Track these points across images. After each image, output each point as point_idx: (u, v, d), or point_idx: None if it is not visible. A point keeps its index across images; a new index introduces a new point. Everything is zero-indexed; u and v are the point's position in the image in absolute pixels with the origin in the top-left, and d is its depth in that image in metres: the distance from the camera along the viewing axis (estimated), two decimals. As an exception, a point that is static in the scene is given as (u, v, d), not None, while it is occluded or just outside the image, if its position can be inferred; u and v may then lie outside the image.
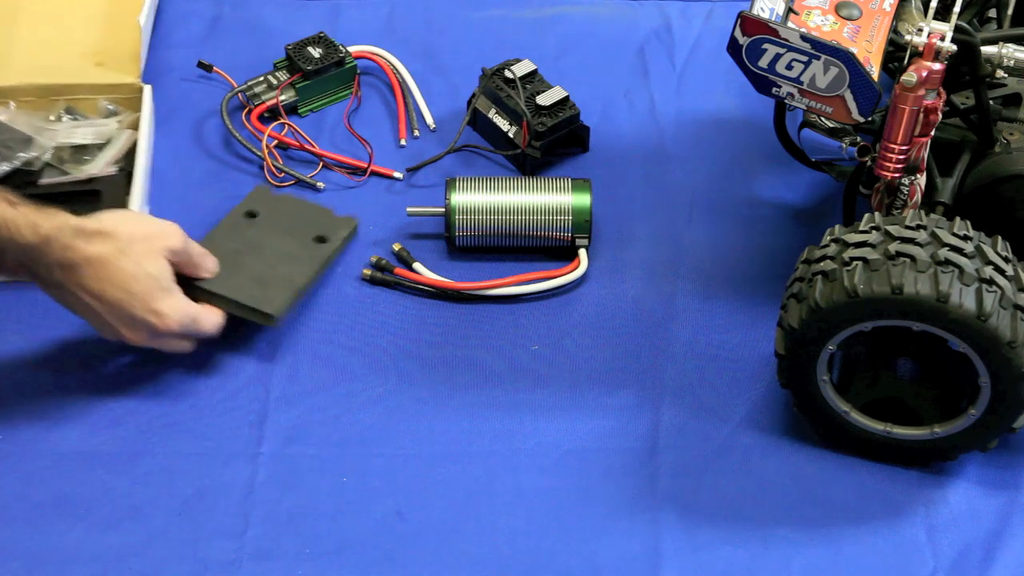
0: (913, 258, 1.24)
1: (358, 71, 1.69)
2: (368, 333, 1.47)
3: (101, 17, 1.68)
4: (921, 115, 1.30)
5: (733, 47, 1.32)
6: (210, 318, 1.41)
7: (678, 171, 1.62)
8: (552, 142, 1.60)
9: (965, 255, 1.25)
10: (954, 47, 1.28)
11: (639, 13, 1.79)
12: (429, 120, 1.67)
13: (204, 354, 1.45)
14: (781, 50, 1.30)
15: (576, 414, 1.41)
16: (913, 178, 1.35)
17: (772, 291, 1.48)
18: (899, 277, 1.24)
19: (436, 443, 1.39)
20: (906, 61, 1.31)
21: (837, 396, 1.34)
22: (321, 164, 1.62)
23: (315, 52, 1.66)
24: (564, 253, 1.54)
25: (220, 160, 1.62)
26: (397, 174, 1.61)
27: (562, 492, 1.35)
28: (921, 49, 1.29)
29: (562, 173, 1.61)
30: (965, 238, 1.27)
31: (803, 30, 1.29)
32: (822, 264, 1.28)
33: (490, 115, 1.63)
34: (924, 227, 1.27)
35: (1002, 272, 1.26)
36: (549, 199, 1.52)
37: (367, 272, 1.51)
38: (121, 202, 1.51)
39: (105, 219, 1.36)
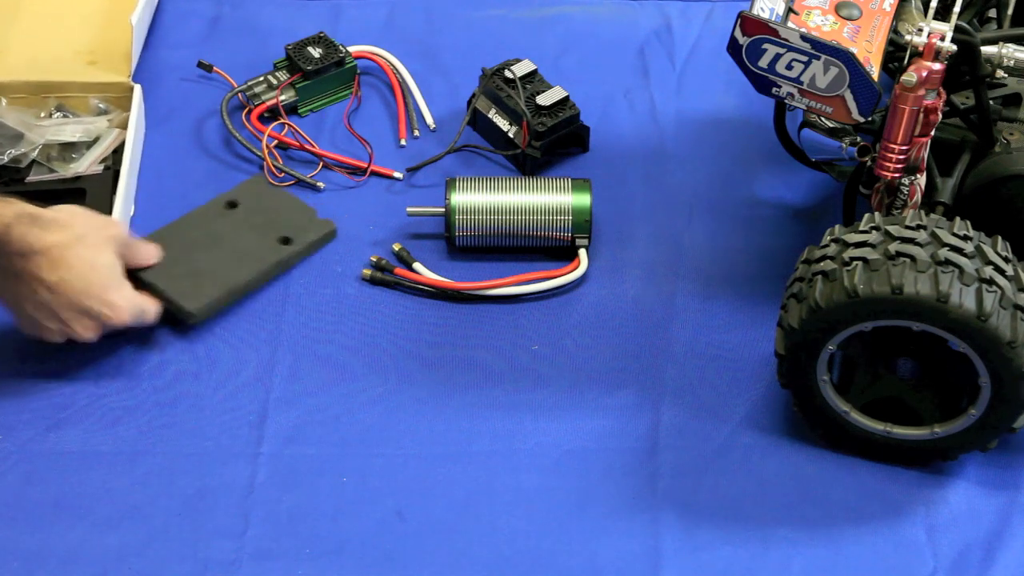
0: (913, 258, 1.24)
1: (358, 71, 1.69)
2: (368, 333, 1.47)
3: (96, 16, 1.68)
4: (921, 115, 1.30)
5: (733, 47, 1.32)
6: (152, 308, 1.42)
7: (678, 171, 1.62)
8: (552, 142, 1.60)
9: (965, 255, 1.25)
10: (954, 47, 1.28)
11: (639, 13, 1.79)
12: (429, 120, 1.67)
13: (204, 354, 1.45)
14: (781, 50, 1.30)
15: (576, 414, 1.41)
16: (913, 178, 1.35)
17: (772, 291, 1.48)
18: (899, 277, 1.24)
19: (436, 443, 1.39)
20: (906, 61, 1.31)
21: (837, 396, 1.34)
22: (321, 164, 1.62)
23: (315, 52, 1.66)
24: (564, 253, 1.53)
25: (220, 160, 1.62)
26: (397, 174, 1.61)
27: (562, 492, 1.35)
28: (921, 49, 1.29)
29: (562, 173, 1.61)
30: (965, 238, 1.27)
31: (803, 30, 1.29)
32: (822, 264, 1.28)
33: (490, 115, 1.63)
34: (924, 227, 1.27)
35: (1002, 272, 1.26)
36: (549, 199, 1.52)
37: (367, 272, 1.51)
38: (107, 201, 1.51)
39: (57, 210, 1.37)
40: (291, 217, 1.54)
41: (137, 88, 1.61)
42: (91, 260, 1.36)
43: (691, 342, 1.46)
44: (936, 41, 1.28)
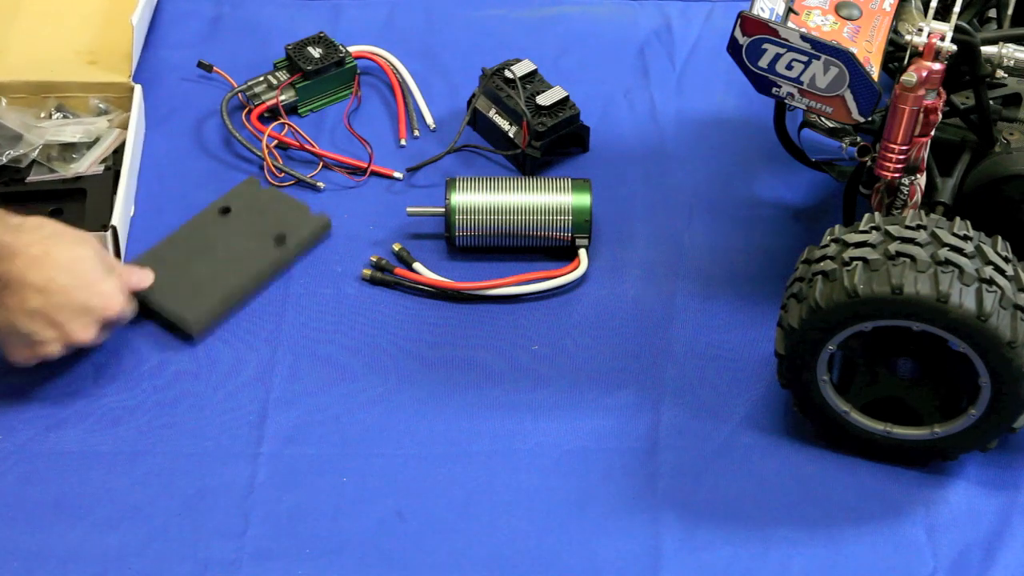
0: (913, 258, 1.24)
1: (358, 71, 1.69)
2: (368, 333, 1.47)
3: (96, 16, 1.68)
4: (921, 115, 1.30)
5: (733, 47, 1.32)
6: (131, 303, 1.41)
7: (678, 171, 1.62)
8: (552, 142, 1.60)
9: (965, 255, 1.25)
10: (954, 47, 1.28)
11: (639, 13, 1.79)
12: (429, 120, 1.67)
13: (204, 354, 1.45)
14: (781, 50, 1.30)
15: (576, 414, 1.41)
16: (913, 178, 1.35)
17: (772, 291, 1.48)
18: (899, 277, 1.24)
19: (436, 443, 1.39)
20: (906, 61, 1.31)
21: (837, 396, 1.34)
22: (321, 164, 1.62)
23: (315, 52, 1.66)
24: (564, 253, 1.53)
25: (220, 160, 1.62)
26: (397, 174, 1.61)
27: (562, 492, 1.35)
28: (921, 49, 1.29)
29: (562, 173, 1.61)
30: (965, 238, 1.27)
31: (803, 30, 1.29)
32: (822, 264, 1.28)
33: (490, 115, 1.63)
34: (924, 227, 1.27)
35: (1002, 272, 1.26)
36: (549, 199, 1.52)
37: (367, 272, 1.51)
38: (107, 201, 1.51)
39: (27, 216, 1.36)
40: (284, 216, 1.54)
41: (137, 88, 1.61)
42: (73, 255, 1.35)
43: (691, 342, 1.47)
44: (936, 41, 1.28)
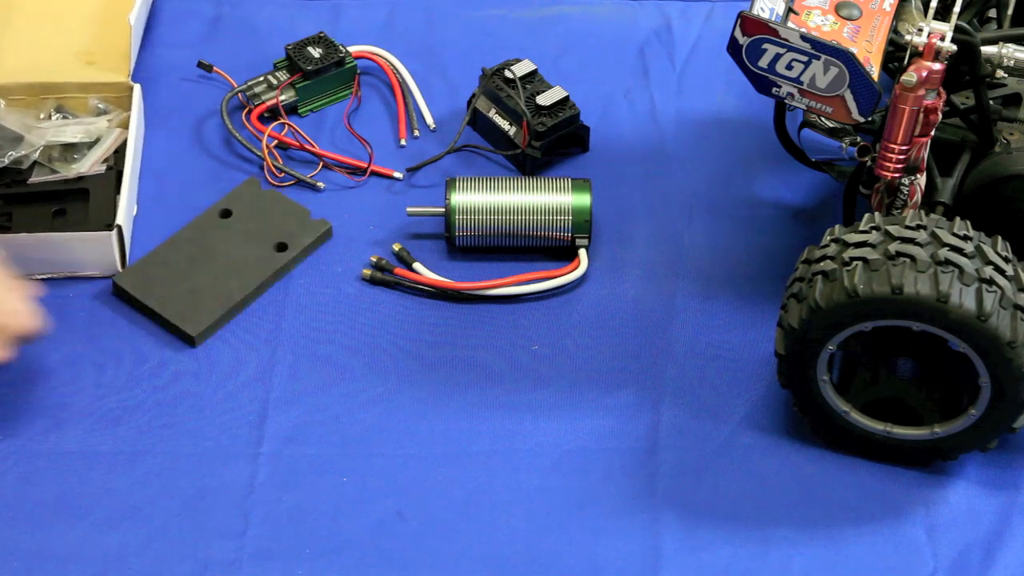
0: (913, 258, 1.24)
1: (358, 71, 1.69)
2: (368, 333, 1.47)
3: (94, 16, 1.68)
4: (921, 115, 1.30)
5: (733, 47, 1.32)
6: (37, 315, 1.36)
7: (678, 171, 1.62)
8: (552, 142, 1.60)
9: (965, 255, 1.25)
10: (954, 47, 1.28)
11: (639, 13, 1.79)
12: (429, 120, 1.67)
13: (204, 354, 1.45)
14: (781, 50, 1.30)
15: (576, 414, 1.41)
16: (913, 178, 1.35)
17: (772, 291, 1.48)
18: (899, 277, 1.24)
19: (436, 443, 1.39)
20: (906, 61, 1.31)
21: (837, 396, 1.34)
22: (321, 164, 1.62)
23: (315, 52, 1.66)
24: (564, 253, 1.53)
25: (220, 160, 1.62)
26: (397, 174, 1.61)
27: (562, 492, 1.35)
28: (921, 49, 1.29)
29: (562, 173, 1.61)
30: (965, 238, 1.27)
31: (803, 30, 1.29)
32: (822, 264, 1.28)
33: (490, 115, 1.63)
34: (924, 227, 1.27)
35: (1002, 272, 1.26)
36: (549, 199, 1.52)
37: (367, 272, 1.51)
38: (110, 201, 1.51)
39: None
40: (285, 221, 1.54)
41: (137, 87, 1.61)
42: None
43: (691, 342, 1.46)
44: (936, 41, 1.28)
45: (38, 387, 1.42)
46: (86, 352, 1.44)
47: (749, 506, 1.35)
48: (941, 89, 1.31)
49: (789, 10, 1.33)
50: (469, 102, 1.65)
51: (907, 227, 1.27)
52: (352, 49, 1.69)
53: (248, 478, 1.36)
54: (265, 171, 1.60)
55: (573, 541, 1.32)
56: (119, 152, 1.56)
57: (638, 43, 1.76)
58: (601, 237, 1.55)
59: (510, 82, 1.62)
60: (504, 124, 1.62)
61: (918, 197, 1.36)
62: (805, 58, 1.29)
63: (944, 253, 1.24)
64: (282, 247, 1.52)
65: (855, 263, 1.26)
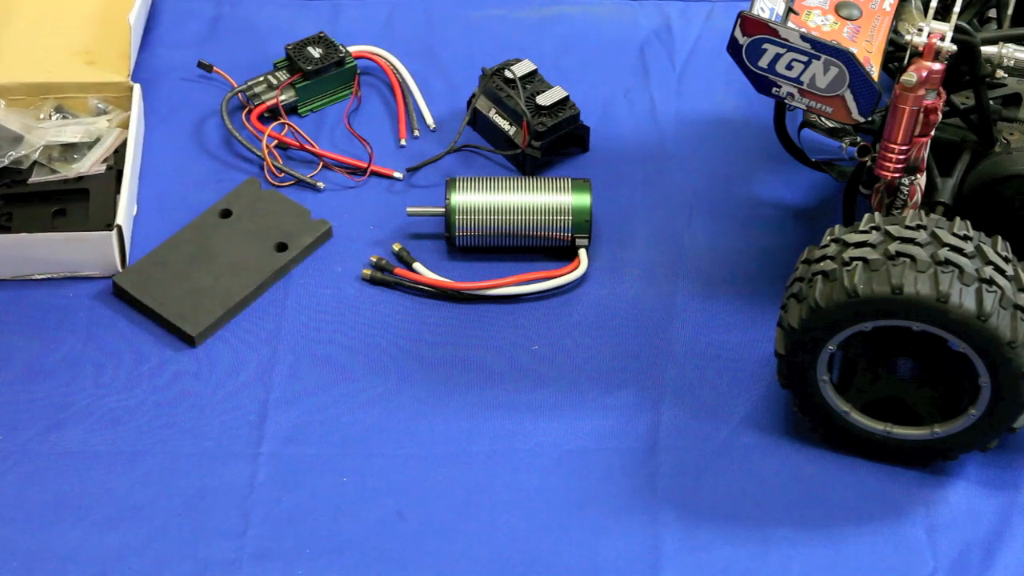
0: (913, 258, 1.24)
1: (358, 71, 1.69)
2: (368, 333, 1.47)
3: (93, 17, 1.68)
4: (921, 115, 1.30)
5: (733, 47, 1.32)
6: None
7: (678, 171, 1.62)
8: (552, 142, 1.60)
9: (965, 255, 1.25)
10: (954, 47, 1.28)
11: (639, 13, 1.79)
12: (429, 120, 1.67)
13: (204, 354, 1.45)
14: (781, 50, 1.30)
15: (576, 414, 1.41)
16: (913, 178, 1.35)
17: (772, 291, 1.48)
18: (899, 277, 1.24)
19: (436, 443, 1.39)
20: (906, 61, 1.31)
21: (837, 396, 1.34)
22: (321, 164, 1.62)
23: (315, 52, 1.66)
24: (564, 253, 1.53)
25: (220, 160, 1.62)
26: (397, 174, 1.61)
27: (562, 492, 1.35)
28: (921, 49, 1.29)
29: (562, 173, 1.61)
30: (965, 238, 1.27)
31: (803, 30, 1.29)
32: (822, 264, 1.28)
33: (490, 115, 1.63)
34: (924, 227, 1.27)
35: (1002, 272, 1.26)
36: (549, 199, 1.52)
37: (367, 272, 1.51)
38: (110, 201, 1.51)
39: None
40: (285, 221, 1.54)
41: (136, 87, 1.61)
42: None
43: (691, 342, 1.46)
44: (936, 41, 1.28)
45: (38, 387, 1.42)
46: (86, 352, 1.44)
47: (749, 506, 1.35)
48: (941, 89, 1.31)
49: (789, 10, 1.33)
50: (469, 102, 1.65)
51: (907, 227, 1.27)
52: (352, 49, 1.69)
53: (248, 478, 1.36)
54: (265, 171, 1.60)
55: (573, 541, 1.32)
56: (119, 152, 1.56)
57: (638, 43, 1.76)
58: (601, 237, 1.55)
59: (510, 82, 1.62)
60: (504, 124, 1.62)
61: (918, 197, 1.36)
62: (805, 58, 1.29)
63: (944, 253, 1.24)
64: (282, 247, 1.52)
65: (855, 263, 1.26)
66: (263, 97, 1.64)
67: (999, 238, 1.29)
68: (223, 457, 1.37)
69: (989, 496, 1.35)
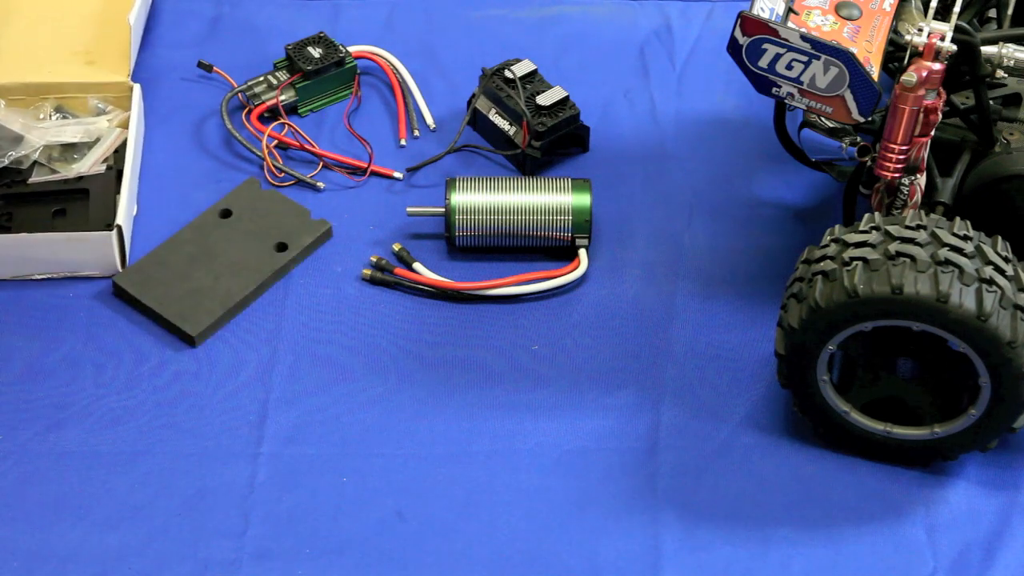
0: (913, 258, 1.24)
1: (358, 71, 1.69)
2: (368, 333, 1.47)
3: (93, 17, 1.68)
4: (921, 115, 1.30)
5: (733, 47, 1.32)
6: None
7: (678, 171, 1.62)
8: (552, 142, 1.60)
9: (965, 255, 1.25)
10: (954, 47, 1.28)
11: (639, 13, 1.79)
12: (429, 120, 1.67)
13: (204, 354, 1.45)
14: (781, 50, 1.30)
15: (576, 414, 1.41)
16: (913, 178, 1.35)
17: (772, 291, 1.48)
18: (899, 277, 1.24)
19: (436, 443, 1.39)
20: (906, 61, 1.31)
21: (837, 396, 1.34)
22: (321, 164, 1.62)
23: (315, 52, 1.66)
24: (564, 253, 1.53)
25: (220, 160, 1.62)
26: (397, 174, 1.61)
27: (562, 492, 1.35)
28: (921, 49, 1.29)
29: (562, 173, 1.61)
30: (965, 238, 1.27)
31: (803, 30, 1.29)
32: (822, 264, 1.28)
33: (490, 115, 1.63)
34: (924, 227, 1.27)
35: (1002, 272, 1.26)
36: (549, 199, 1.52)
37: (367, 272, 1.51)
38: (110, 201, 1.51)
39: None
40: (285, 221, 1.54)
41: (136, 87, 1.61)
42: None
43: (691, 342, 1.46)
44: (936, 41, 1.28)
45: (38, 387, 1.42)
46: (86, 352, 1.44)
47: (749, 506, 1.35)
48: (941, 89, 1.31)
49: (789, 10, 1.33)
50: (469, 102, 1.65)
51: (907, 227, 1.27)
52: (352, 49, 1.69)
53: (248, 478, 1.36)
54: (265, 171, 1.60)
55: (573, 541, 1.32)
56: (119, 152, 1.56)
57: (638, 43, 1.76)
58: (601, 237, 1.55)
59: (510, 82, 1.62)
60: (504, 124, 1.62)
61: (918, 197, 1.36)
62: (805, 58, 1.29)
63: (944, 253, 1.24)
64: (282, 247, 1.52)
65: (855, 263, 1.26)
66: (263, 97, 1.64)
67: (999, 238, 1.29)
68: (223, 457, 1.37)
69: (989, 496, 1.35)
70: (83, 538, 1.31)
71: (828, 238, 1.31)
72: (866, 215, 1.31)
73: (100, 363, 1.44)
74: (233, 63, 1.69)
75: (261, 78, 1.66)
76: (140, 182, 1.59)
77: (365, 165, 1.61)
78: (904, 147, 1.32)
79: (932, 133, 1.32)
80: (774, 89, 1.33)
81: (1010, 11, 1.45)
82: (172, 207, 1.56)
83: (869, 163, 1.37)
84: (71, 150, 1.57)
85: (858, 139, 1.39)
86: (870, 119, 1.34)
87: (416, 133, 1.65)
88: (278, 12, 1.78)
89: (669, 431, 1.40)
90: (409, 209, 1.54)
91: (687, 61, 1.74)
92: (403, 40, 1.74)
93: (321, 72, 1.66)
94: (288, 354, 1.45)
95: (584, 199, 1.51)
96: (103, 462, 1.37)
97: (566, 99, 1.61)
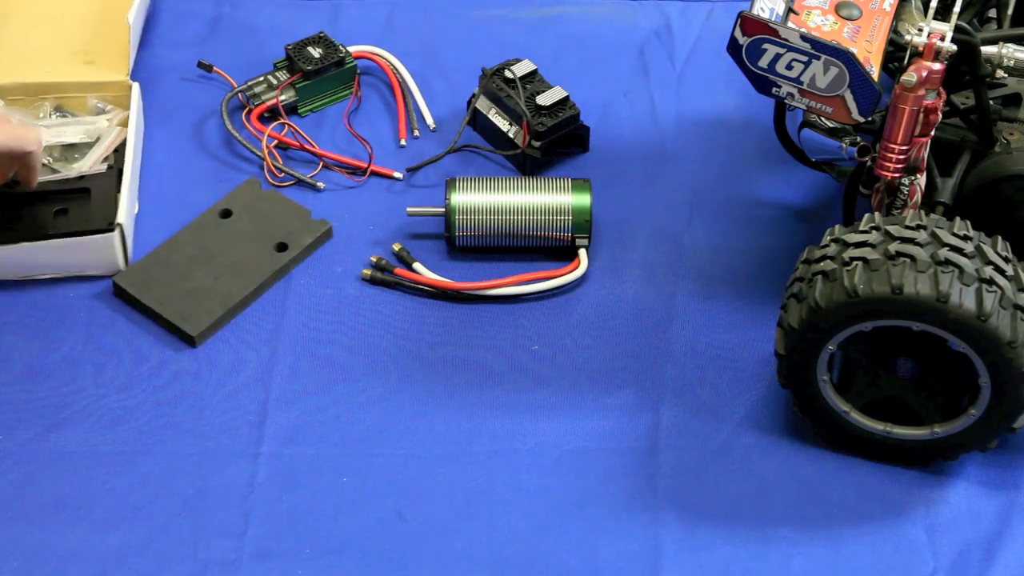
0: (913, 258, 1.24)
1: (358, 71, 1.69)
2: (368, 333, 1.47)
3: (92, 16, 1.68)
4: (921, 115, 1.30)
5: (733, 47, 1.32)
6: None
7: (678, 171, 1.62)
8: (552, 142, 1.60)
9: (965, 255, 1.25)
10: (954, 47, 1.28)
11: (639, 13, 1.79)
12: (429, 120, 1.67)
13: (204, 354, 1.45)
14: (781, 50, 1.30)
15: (576, 414, 1.41)
16: (913, 178, 1.35)
17: (772, 291, 1.48)
18: (899, 277, 1.24)
19: (436, 443, 1.39)
20: (906, 61, 1.31)
21: (837, 396, 1.34)
22: (321, 164, 1.62)
23: (315, 52, 1.66)
24: (564, 253, 1.53)
25: (220, 160, 1.62)
26: (397, 174, 1.61)
27: (562, 492, 1.35)
28: (921, 49, 1.29)
29: (562, 173, 1.61)
30: (965, 238, 1.27)
31: (803, 30, 1.29)
32: (822, 264, 1.28)
33: (490, 115, 1.63)
34: (924, 227, 1.27)
35: (1002, 272, 1.26)
36: (549, 199, 1.52)
37: (367, 272, 1.51)
38: (111, 200, 1.51)
39: None
40: (286, 221, 1.54)
41: (135, 86, 1.61)
42: None
43: (691, 342, 1.46)
44: (936, 41, 1.28)
45: (38, 387, 1.42)
46: (86, 352, 1.44)
47: (749, 506, 1.35)
48: (941, 89, 1.31)
49: (789, 10, 1.33)
50: (469, 102, 1.65)
51: (907, 227, 1.27)
52: (352, 49, 1.69)
53: (248, 478, 1.36)
54: (265, 171, 1.60)
55: (573, 541, 1.32)
56: (119, 151, 1.56)
57: (638, 43, 1.76)
58: (601, 237, 1.55)
59: (510, 82, 1.62)
60: (504, 124, 1.62)
61: (918, 197, 1.36)
62: (805, 58, 1.29)
63: (944, 253, 1.24)
64: (282, 247, 1.52)
65: (855, 263, 1.26)
66: (263, 97, 1.64)
67: (999, 238, 1.29)
68: (223, 457, 1.37)
69: (989, 496, 1.35)
70: (83, 538, 1.31)
71: (828, 238, 1.31)
72: (866, 215, 1.31)
73: (100, 363, 1.44)
74: (233, 63, 1.69)
75: (261, 78, 1.66)
76: (140, 182, 1.59)
77: (365, 165, 1.61)
78: (904, 147, 1.32)
79: (932, 133, 1.32)
80: (774, 89, 1.33)
81: (1010, 11, 1.45)
82: (172, 207, 1.56)
83: (869, 163, 1.37)
84: (71, 150, 1.56)
85: (858, 139, 1.39)
86: (870, 119, 1.34)
87: (416, 133, 1.65)
88: (278, 12, 1.78)
89: (669, 431, 1.40)
90: (409, 209, 1.54)
91: (687, 61, 1.74)
92: (403, 40, 1.74)
93: (321, 72, 1.66)
94: (288, 354, 1.45)
95: (584, 199, 1.51)
96: (103, 462, 1.37)
97: (566, 99, 1.61)
